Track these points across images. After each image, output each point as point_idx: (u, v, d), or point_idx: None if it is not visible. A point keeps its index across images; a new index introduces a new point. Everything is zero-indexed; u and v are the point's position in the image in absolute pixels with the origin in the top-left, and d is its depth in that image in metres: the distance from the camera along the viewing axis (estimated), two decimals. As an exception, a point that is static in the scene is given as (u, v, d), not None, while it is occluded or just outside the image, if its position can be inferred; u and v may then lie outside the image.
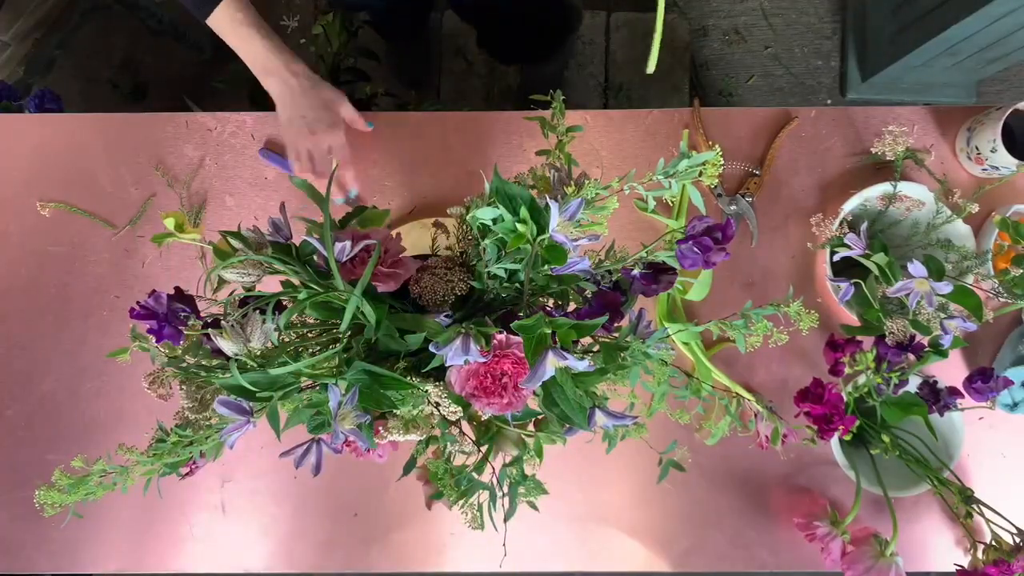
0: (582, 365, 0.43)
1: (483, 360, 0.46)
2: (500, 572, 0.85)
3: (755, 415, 0.80)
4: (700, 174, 0.48)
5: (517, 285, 0.53)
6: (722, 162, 0.48)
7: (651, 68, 0.53)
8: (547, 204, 0.47)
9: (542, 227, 0.47)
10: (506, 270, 0.52)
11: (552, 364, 0.43)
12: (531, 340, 0.44)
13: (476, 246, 0.53)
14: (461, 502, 0.58)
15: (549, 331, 0.44)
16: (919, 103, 1.11)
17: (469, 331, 0.45)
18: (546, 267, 0.51)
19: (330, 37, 1.16)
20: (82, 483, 0.48)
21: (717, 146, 0.48)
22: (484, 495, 0.59)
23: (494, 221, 0.49)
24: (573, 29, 1.30)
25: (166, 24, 1.77)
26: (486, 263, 0.52)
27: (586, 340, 0.53)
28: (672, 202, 0.94)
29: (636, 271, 0.55)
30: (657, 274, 0.55)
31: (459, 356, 0.44)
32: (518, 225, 0.48)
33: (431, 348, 0.45)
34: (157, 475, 0.49)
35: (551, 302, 0.58)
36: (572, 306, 0.59)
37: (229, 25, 0.76)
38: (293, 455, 0.45)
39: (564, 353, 0.43)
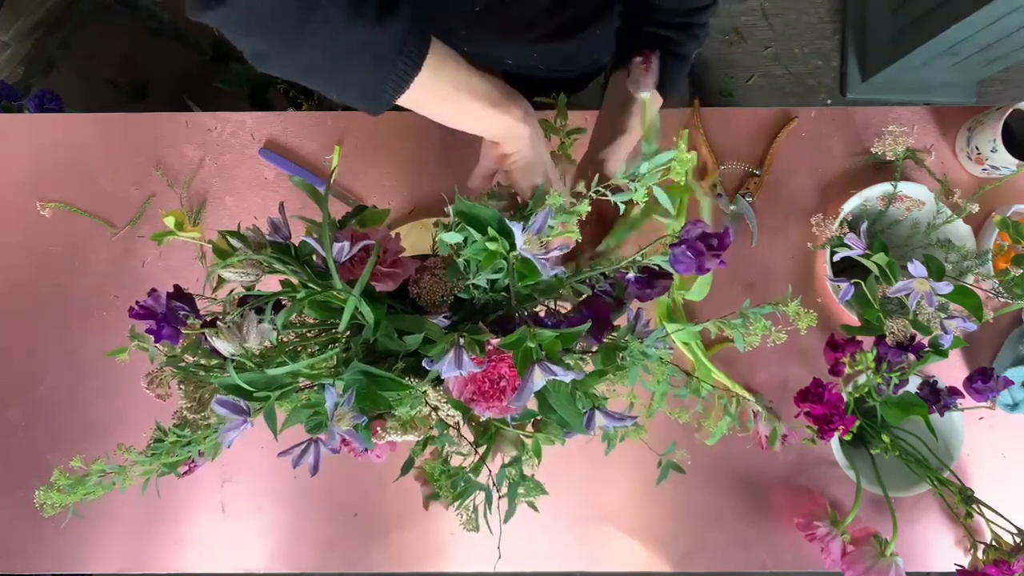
0: (569, 377, 0.43)
1: (478, 370, 0.45)
2: (500, 572, 0.85)
3: (755, 415, 0.80)
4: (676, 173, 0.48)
5: (503, 293, 0.53)
6: (689, 157, 0.47)
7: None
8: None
9: (514, 242, 0.47)
10: (488, 280, 0.52)
11: (539, 378, 0.43)
12: (518, 355, 0.44)
13: (454, 264, 0.52)
14: (457, 503, 0.58)
15: (534, 345, 0.43)
16: (919, 103, 1.11)
17: (462, 342, 0.45)
18: (523, 281, 0.51)
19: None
20: (81, 483, 0.48)
21: (682, 143, 0.47)
22: (480, 496, 0.59)
23: (465, 241, 0.49)
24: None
25: (166, 24, 1.77)
26: (466, 276, 0.52)
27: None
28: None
29: (631, 275, 0.55)
30: (652, 279, 0.55)
31: (452, 369, 0.44)
32: (488, 244, 0.47)
33: (424, 364, 0.45)
34: (155, 475, 0.49)
35: (549, 303, 0.58)
36: (569, 306, 0.59)
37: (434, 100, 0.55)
38: (291, 455, 0.45)
39: (550, 367, 0.42)
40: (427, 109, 0.54)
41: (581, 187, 0.50)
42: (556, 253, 0.49)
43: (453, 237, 0.49)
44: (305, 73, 0.49)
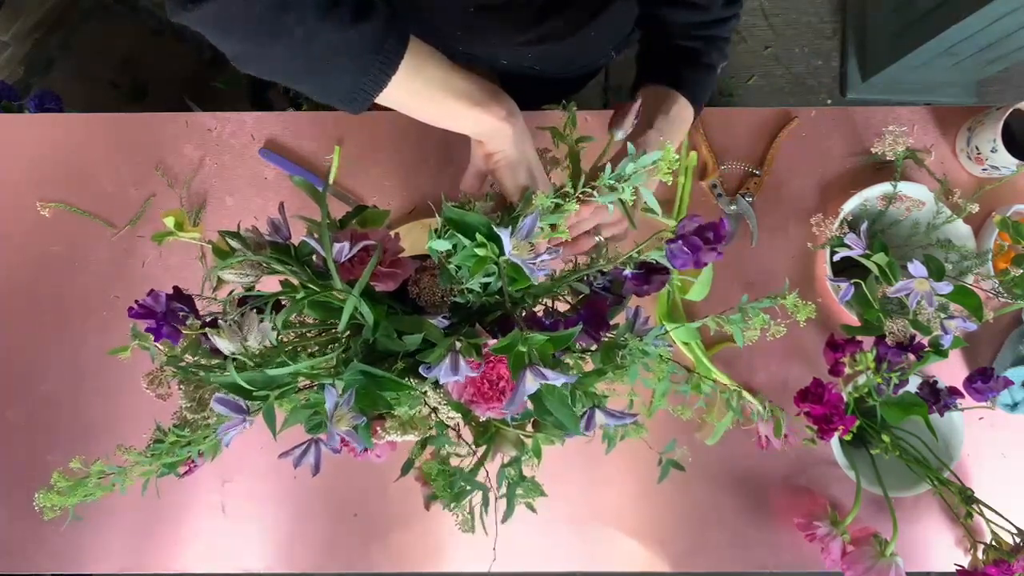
0: (561, 381, 0.42)
1: (475, 375, 0.45)
2: (500, 572, 0.85)
3: (757, 415, 0.80)
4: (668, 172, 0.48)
5: (497, 296, 0.53)
6: (677, 157, 0.47)
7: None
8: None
9: (503, 247, 0.47)
10: (481, 284, 0.52)
11: (531, 383, 0.42)
12: (511, 359, 0.44)
13: (445, 269, 0.52)
14: (454, 504, 0.57)
15: (525, 349, 0.43)
16: (919, 103, 1.11)
17: (458, 347, 0.45)
18: (514, 286, 0.51)
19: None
20: (80, 485, 0.48)
21: (670, 143, 0.47)
22: (477, 497, 0.59)
23: (454, 248, 0.49)
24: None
25: (166, 24, 1.77)
26: (459, 281, 0.52)
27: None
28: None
29: (628, 271, 0.55)
30: (649, 274, 0.55)
31: (449, 375, 0.44)
32: (477, 250, 0.47)
33: (421, 371, 0.45)
34: (155, 475, 0.49)
35: (547, 301, 0.57)
36: (566, 305, 0.59)
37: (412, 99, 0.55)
38: (291, 455, 0.45)
39: (542, 371, 0.42)
40: (407, 108, 0.55)
41: (568, 187, 0.50)
42: (546, 257, 0.49)
43: (442, 244, 0.49)
44: (283, 74, 0.49)
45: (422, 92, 0.53)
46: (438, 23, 0.79)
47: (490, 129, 0.56)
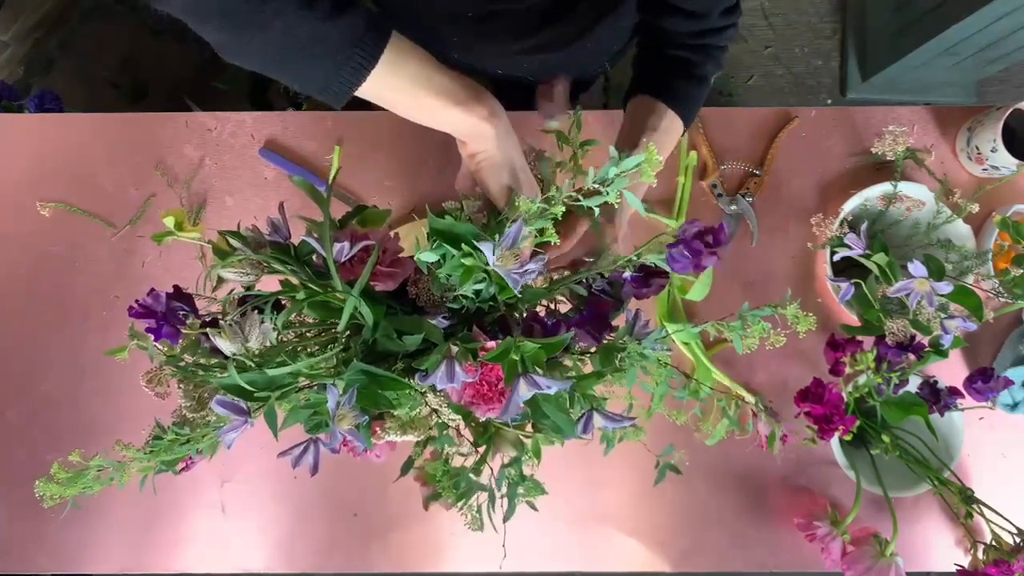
0: (555, 389, 0.42)
1: (471, 380, 0.45)
2: (500, 572, 0.85)
3: (754, 415, 0.80)
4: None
5: (491, 303, 0.53)
6: (660, 158, 0.47)
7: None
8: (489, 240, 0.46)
9: (488, 259, 0.46)
10: (473, 290, 0.52)
11: (524, 391, 0.42)
12: (505, 366, 0.43)
13: (436, 277, 0.52)
14: (460, 504, 0.57)
15: (518, 358, 0.43)
16: (919, 103, 1.11)
17: (454, 351, 0.44)
18: (503, 294, 0.51)
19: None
20: (79, 476, 0.48)
21: (652, 144, 0.47)
22: (483, 496, 0.59)
23: (443, 258, 0.49)
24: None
25: (166, 24, 1.77)
26: (451, 287, 0.52)
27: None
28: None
29: (627, 274, 0.55)
30: (648, 277, 0.54)
31: (445, 382, 0.44)
32: (464, 260, 0.47)
33: (418, 379, 0.45)
34: (153, 472, 0.49)
35: (547, 304, 0.57)
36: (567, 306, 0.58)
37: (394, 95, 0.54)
38: (290, 455, 0.45)
39: (535, 380, 0.42)
40: (388, 103, 0.54)
41: (553, 191, 0.50)
42: (531, 266, 0.48)
43: (430, 256, 0.49)
44: (264, 64, 0.49)
45: (402, 88, 0.52)
46: (435, 31, 0.79)
47: (471, 129, 0.55)
